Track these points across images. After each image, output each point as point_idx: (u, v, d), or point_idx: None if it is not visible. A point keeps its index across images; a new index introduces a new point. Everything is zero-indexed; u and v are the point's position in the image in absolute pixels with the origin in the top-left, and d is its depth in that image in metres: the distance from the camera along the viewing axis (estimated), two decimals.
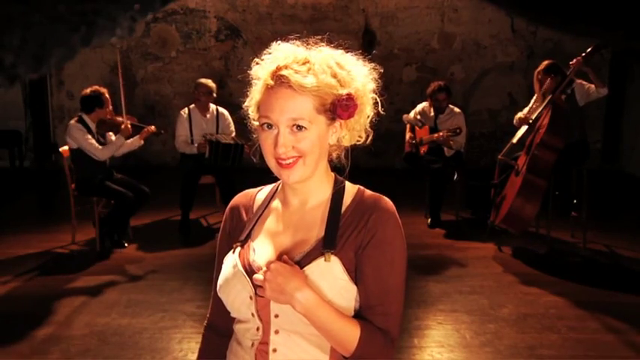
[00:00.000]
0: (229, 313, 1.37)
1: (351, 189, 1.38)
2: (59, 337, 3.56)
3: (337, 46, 1.32)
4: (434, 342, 3.56)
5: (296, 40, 1.32)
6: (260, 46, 1.36)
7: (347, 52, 1.33)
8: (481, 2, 8.85)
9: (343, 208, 1.34)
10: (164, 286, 4.32)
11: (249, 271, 1.32)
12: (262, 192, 1.48)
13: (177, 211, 5.74)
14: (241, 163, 5.51)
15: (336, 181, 1.38)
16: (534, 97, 5.42)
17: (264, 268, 1.26)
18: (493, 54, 8.56)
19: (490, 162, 6.48)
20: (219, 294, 1.37)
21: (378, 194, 1.38)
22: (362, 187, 1.40)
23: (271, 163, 1.30)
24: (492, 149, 7.29)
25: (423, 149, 5.94)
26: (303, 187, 1.35)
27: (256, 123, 1.34)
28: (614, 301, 4.12)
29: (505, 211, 4.83)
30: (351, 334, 1.25)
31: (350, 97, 1.27)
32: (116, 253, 5.06)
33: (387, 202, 1.36)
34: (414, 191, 6.37)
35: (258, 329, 1.31)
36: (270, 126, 1.27)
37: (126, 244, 5.19)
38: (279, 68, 1.25)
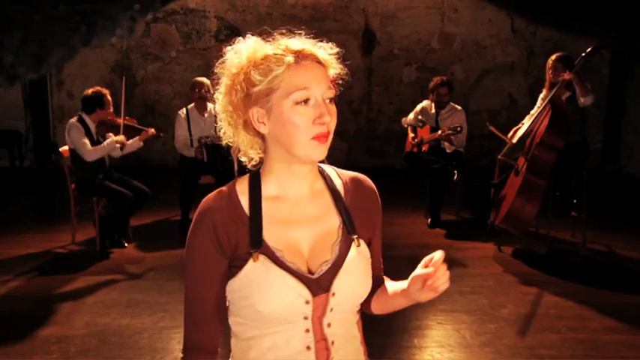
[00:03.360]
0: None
1: (330, 170, 1.39)
2: (59, 337, 3.56)
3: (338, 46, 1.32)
4: (434, 342, 3.56)
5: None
6: None
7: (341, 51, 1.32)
8: (481, 2, 8.85)
9: (342, 193, 1.36)
10: (164, 286, 4.32)
11: (300, 274, 1.25)
12: (241, 189, 1.32)
13: (177, 211, 5.74)
14: (241, 163, 5.49)
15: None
16: (541, 95, 5.36)
17: (430, 269, 1.26)
18: (493, 54, 8.57)
19: (490, 162, 6.47)
20: (248, 307, 1.25)
21: (355, 173, 1.42)
22: (333, 166, 1.42)
23: (305, 142, 1.21)
24: (492, 149, 7.29)
25: (423, 148, 5.94)
26: (308, 173, 1.30)
27: (255, 111, 1.26)
28: (614, 301, 4.12)
29: (505, 211, 4.83)
30: None
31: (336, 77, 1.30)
32: (116, 253, 5.06)
33: (368, 179, 1.43)
34: (414, 191, 6.37)
35: (307, 331, 1.25)
36: (306, 101, 1.21)
37: (126, 244, 5.19)
38: (292, 49, 1.21)
